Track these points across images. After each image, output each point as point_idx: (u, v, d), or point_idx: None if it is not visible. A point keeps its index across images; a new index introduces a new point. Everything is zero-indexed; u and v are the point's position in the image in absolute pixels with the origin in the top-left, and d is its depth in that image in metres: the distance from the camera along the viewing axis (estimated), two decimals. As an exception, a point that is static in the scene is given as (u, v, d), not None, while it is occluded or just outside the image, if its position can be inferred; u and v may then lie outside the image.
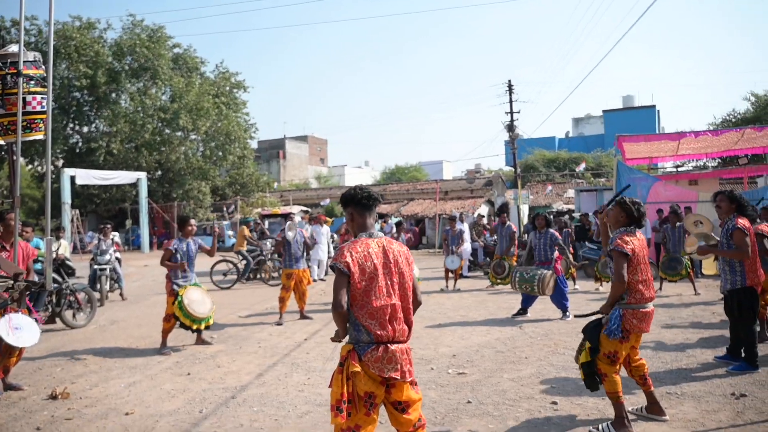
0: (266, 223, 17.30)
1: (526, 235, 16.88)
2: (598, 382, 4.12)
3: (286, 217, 9.86)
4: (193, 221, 7.05)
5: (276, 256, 15.07)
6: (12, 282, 3.37)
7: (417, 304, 3.10)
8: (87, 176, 24.54)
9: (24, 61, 3.33)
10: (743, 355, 5.39)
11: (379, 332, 2.83)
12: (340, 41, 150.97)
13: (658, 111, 52.87)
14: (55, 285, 8.35)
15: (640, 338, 4.19)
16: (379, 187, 36.98)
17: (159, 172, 32.31)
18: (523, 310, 8.61)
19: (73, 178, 23.44)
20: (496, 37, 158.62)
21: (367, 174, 63.13)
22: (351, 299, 2.88)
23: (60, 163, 30.07)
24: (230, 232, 27.66)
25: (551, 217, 8.97)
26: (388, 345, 2.84)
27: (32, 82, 3.39)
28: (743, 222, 5.35)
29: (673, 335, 6.94)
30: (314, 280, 13.68)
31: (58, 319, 8.48)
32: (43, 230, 10.19)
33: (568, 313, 8.27)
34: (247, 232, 14.73)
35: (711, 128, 32.54)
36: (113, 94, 31.51)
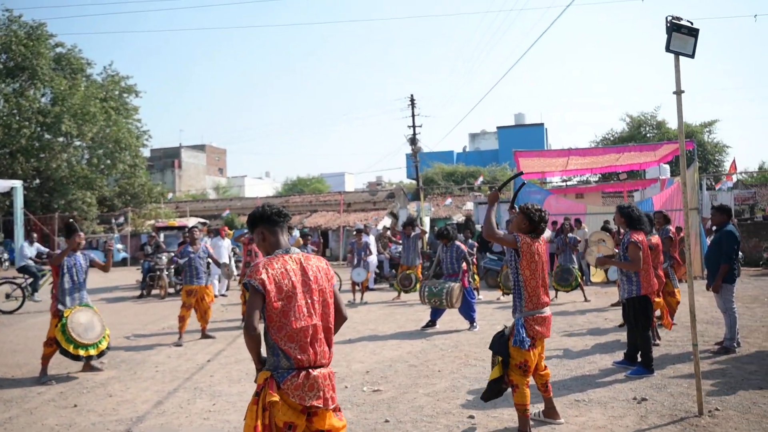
0: (161, 235, 16.28)
1: (429, 247, 17.20)
2: (493, 393, 4.24)
3: (183, 229, 9.28)
4: (81, 234, 6.39)
5: (173, 271, 14.24)
6: None
7: (342, 320, 2.93)
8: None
9: None
10: (639, 359, 5.71)
11: (299, 356, 2.62)
12: (241, 49, 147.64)
13: (546, 128, 56.45)
14: None
15: (543, 345, 4.33)
16: (281, 199, 36.27)
17: (37, 181, 29.62)
18: (432, 322, 8.66)
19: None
20: (398, 51, 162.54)
21: (268, 185, 61.87)
22: (267, 321, 2.65)
23: None
24: (120, 246, 25.84)
25: (454, 230, 9.03)
26: (310, 370, 2.64)
27: None
28: (637, 236, 5.72)
29: (573, 342, 7.25)
30: (216, 296, 13.04)
31: None
32: None
33: (475, 324, 8.43)
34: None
35: (592, 145, 35.19)
36: (-17, 95, 28.56)
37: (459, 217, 26.95)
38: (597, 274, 13.56)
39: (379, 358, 6.77)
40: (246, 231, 18.52)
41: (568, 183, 28.58)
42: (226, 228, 16.46)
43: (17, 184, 24.30)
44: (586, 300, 10.87)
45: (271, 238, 2.84)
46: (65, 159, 29.80)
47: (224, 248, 14.02)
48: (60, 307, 6.12)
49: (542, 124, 55.94)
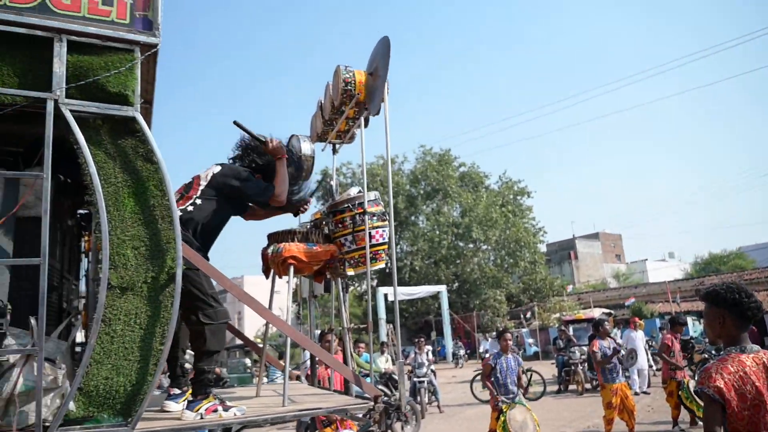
0: (570, 328, 16.40)
1: None
2: None
3: (597, 323, 9.06)
4: (509, 334, 6.94)
5: (586, 366, 14.00)
6: (373, 404, 3.62)
7: None
8: (396, 293, 27.20)
9: (368, 201, 3.83)
10: None
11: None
12: (620, 132, 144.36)
13: None
14: (385, 398, 8.99)
15: None
16: (694, 281, 32.46)
17: (456, 284, 34.10)
18: None
19: (385, 296, 26.23)
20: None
21: (674, 267, 56.37)
22: None
23: (374, 282, 34.18)
24: (530, 340, 27.05)
25: None
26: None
27: (374, 217, 3.87)
28: None
29: None
30: (636, 393, 12.17)
31: (388, 432, 9.00)
32: (366, 345, 11.34)
33: None
34: None
35: None
36: (412, 217, 35.19)
37: None
38: None
39: None
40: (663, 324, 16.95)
41: None
42: (636, 318, 15.49)
43: (442, 288, 28.57)
44: None
45: (732, 330, 2.48)
46: (476, 262, 33.70)
47: (638, 340, 13.15)
48: (499, 402, 6.65)
49: None
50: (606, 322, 8.81)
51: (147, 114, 3.74)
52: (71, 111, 2.75)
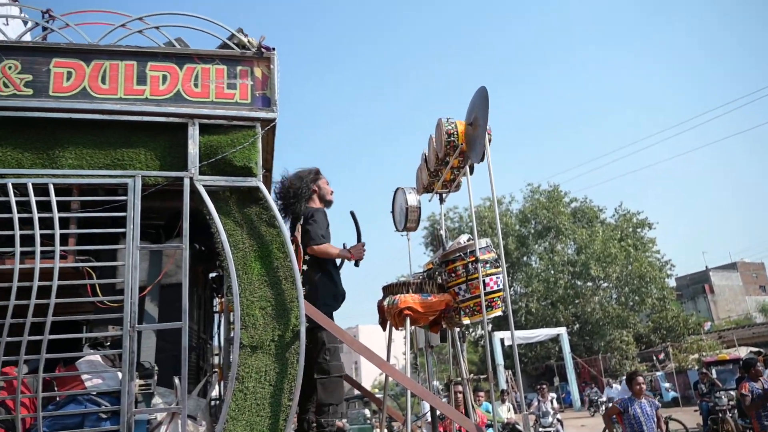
0: (713, 371, 14.87)
1: None
2: None
3: (746, 364, 8.11)
4: (640, 377, 6.44)
5: (736, 413, 12.54)
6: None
7: None
8: (514, 338, 26.28)
9: (479, 248, 3.81)
10: None
11: None
12: (743, 153, 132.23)
13: None
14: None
15: None
16: None
17: (576, 325, 32.32)
18: None
19: (502, 341, 25.36)
20: None
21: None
22: None
23: (489, 327, 33.21)
24: (666, 384, 24.81)
25: None
26: None
27: (488, 265, 3.83)
28: None
29: None
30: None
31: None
32: (485, 393, 11.00)
33: None
34: None
35: None
36: (524, 258, 34.14)
37: None
38: None
39: None
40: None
41: None
42: (793, 358, 13.73)
43: (562, 330, 27.17)
44: None
45: None
46: (597, 302, 31.80)
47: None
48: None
49: None
50: (757, 362, 7.92)
51: (267, 181, 4.04)
52: (204, 186, 3.05)
